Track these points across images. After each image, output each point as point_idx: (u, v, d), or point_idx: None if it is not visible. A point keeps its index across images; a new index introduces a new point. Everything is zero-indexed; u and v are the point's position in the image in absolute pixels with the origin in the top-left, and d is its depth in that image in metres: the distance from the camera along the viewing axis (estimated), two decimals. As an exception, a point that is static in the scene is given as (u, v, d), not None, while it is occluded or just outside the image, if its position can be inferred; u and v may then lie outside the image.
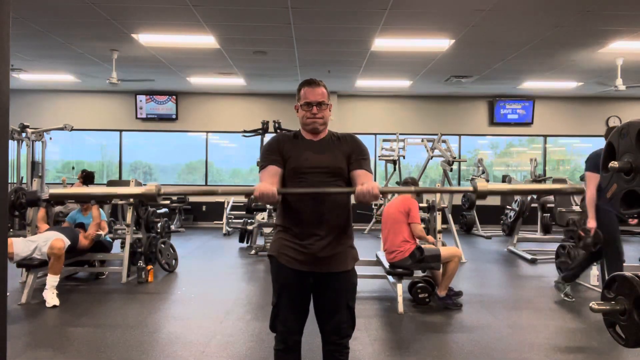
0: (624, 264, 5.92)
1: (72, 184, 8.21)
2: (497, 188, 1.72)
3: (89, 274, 5.74)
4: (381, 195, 2.02)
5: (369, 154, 2.26)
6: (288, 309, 2.22)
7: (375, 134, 10.82)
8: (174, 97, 10.95)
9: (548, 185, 1.46)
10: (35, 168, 8.62)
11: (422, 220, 6.25)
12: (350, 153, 2.19)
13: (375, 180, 9.21)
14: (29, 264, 4.59)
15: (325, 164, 2.16)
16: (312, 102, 2.16)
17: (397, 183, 8.51)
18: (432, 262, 4.38)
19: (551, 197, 7.97)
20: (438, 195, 6.03)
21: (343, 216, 2.18)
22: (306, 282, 2.19)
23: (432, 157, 7.97)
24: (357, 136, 2.31)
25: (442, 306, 4.45)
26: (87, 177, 8.23)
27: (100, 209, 5.62)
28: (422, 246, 4.43)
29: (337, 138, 2.24)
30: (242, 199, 9.48)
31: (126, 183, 5.99)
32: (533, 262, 6.86)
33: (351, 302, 2.23)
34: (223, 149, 11.71)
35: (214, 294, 5.10)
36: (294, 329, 2.23)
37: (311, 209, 2.13)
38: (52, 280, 4.47)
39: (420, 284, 4.60)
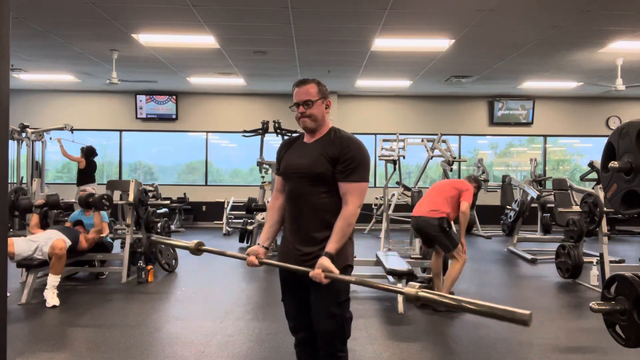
0: (623, 264, 5.94)
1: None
2: (428, 297, 1.68)
3: (89, 274, 5.74)
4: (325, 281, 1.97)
5: (361, 158, 2.11)
6: (290, 304, 2.29)
7: (375, 134, 10.83)
8: (174, 97, 10.95)
9: (489, 307, 1.37)
10: (36, 168, 8.62)
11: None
12: (337, 159, 2.08)
13: (375, 180, 9.22)
14: (29, 264, 4.59)
15: (304, 169, 2.14)
16: (298, 102, 2.17)
17: (397, 183, 8.51)
18: (451, 241, 4.43)
19: (551, 197, 7.97)
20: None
21: (319, 219, 2.13)
22: (300, 278, 2.15)
23: (432, 157, 7.96)
24: (356, 137, 2.18)
25: (445, 309, 4.44)
26: (89, 152, 8.29)
27: (103, 212, 5.64)
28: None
29: (332, 140, 2.15)
30: (243, 198, 9.48)
31: (126, 183, 5.97)
32: (533, 262, 6.86)
33: (335, 308, 2.13)
34: (223, 149, 11.71)
35: (214, 293, 5.10)
36: (298, 324, 2.26)
37: (291, 210, 2.22)
38: (53, 280, 4.47)
39: (425, 285, 4.61)
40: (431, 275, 5.11)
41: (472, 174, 5.03)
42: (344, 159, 2.08)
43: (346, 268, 2.16)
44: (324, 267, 1.99)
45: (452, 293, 4.59)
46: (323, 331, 2.15)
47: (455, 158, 7.90)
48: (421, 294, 1.68)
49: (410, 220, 7.01)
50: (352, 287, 5.20)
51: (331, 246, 2.04)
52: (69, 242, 4.71)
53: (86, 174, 8.49)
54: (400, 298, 4.32)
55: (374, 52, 7.17)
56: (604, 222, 5.45)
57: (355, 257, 2.29)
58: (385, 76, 9.05)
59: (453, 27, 6.05)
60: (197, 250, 2.34)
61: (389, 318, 4.22)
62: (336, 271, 2.00)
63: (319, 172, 2.11)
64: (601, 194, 5.39)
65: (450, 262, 4.58)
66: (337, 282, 2.09)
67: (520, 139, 11.88)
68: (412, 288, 1.71)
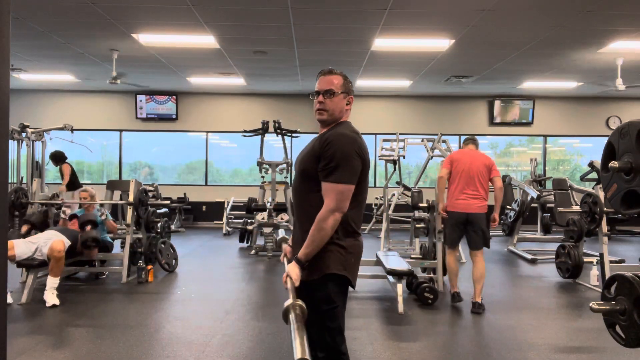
0: (623, 264, 5.94)
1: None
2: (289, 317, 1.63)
3: (89, 273, 5.74)
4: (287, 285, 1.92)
5: (341, 158, 1.94)
6: None
7: (375, 134, 10.83)
8: (174, 97, 10.95)
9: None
10: (36, 168, 8.61)
11: (422, 220, 6.26)
12: (320, 157, 1.98)
13: (375, 180, 9.17)
14: (29, 264, 4.60)
15: (297, 164, 2.13)
16: (319, 90, 2.08)
17: (397, 183, 8.51)
18: (489, 234, 4.48)
19: (551, 197, 7.98)
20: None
21: (309, 218, 2.01)
22: None
23: (432, 157, 7.96)
24: (349, 136, 2.00)
25: (482, 311, 4.38)
26: (62, 157, 8.05)
27: (107, 213, 5.72)
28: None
29: (324, 135, 2.05)
30: (243, 198, 9.49)
31: (126, 183, 5.98)
32: (533, 262, 6.86)
33: (314, 315, 1.92)
34: (223, 149, 11.70)
35: (214, 293, 5.10)
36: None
37: (293, 206, 2.20)
38: (52, 282, 4.48)
39: (426, 284, 4.60)
40: (431, 275, 5.11)
41: (471, 136, 4.84)
42: (324, 156, 1.96)
43: (328, 277, 1.99)
44: (287, 272, 1.94)
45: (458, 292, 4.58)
46: (315, 335, 2.03)
47: (455, 158, 7.88)
48: (290, 315, 1.60)
49: (413, 218, 6.93)
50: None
51: (301, 251, 1.96)
52: (68, 243, 4.72)
53: (73, 178, 8.29)
54: (400, 298, 4.32)
55: (374, 52, 7.16)
56: (604, 222, 5.46)
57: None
58: (385, 76, 9.04)
59: (453, 27, 6.05)
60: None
61: (389, 318, 4.22)
62: (294, 276, 1.92)
63: (303, 168, 2.06)
64: (601, 194, 5.39)
65: (477, 262, 4.47)
66: (318, 290, 2.00)
67: (520, 139, 11.88)
68: (290, 302, 1.63)
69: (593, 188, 6.54)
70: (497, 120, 11.11)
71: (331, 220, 1.93)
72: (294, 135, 8.38)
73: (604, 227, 5.46)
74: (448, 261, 4.74)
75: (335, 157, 1.94)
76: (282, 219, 7.86)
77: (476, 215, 4.42)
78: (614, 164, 1.78)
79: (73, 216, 5.38)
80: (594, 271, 5.40)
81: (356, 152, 1.97)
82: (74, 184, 8.14)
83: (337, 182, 1.93)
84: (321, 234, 1.93)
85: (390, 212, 7.64)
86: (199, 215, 10.94)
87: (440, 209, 4.79)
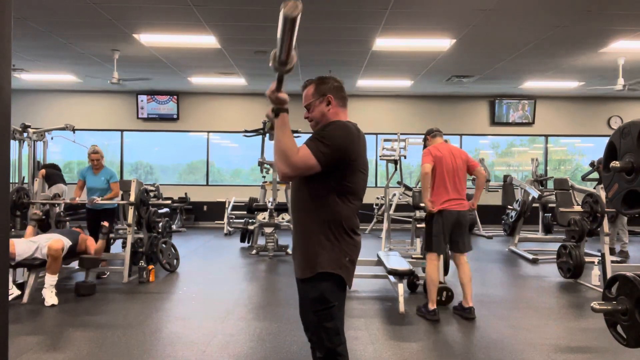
0: (625, 264, 5.93)
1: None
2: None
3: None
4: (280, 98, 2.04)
5: (326, 135, 1.99)
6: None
7: (376, 134, 10.82)
8: (175, 97, 10.96)
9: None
10: (38, 168, 8.61)
11: (423, 220, 6.25)
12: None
13: (376, 180, 9.19)
14: (30, 264, 4.60)
15: None
16: (304, 106, 2.21)
17: (398, 183, 8.50)
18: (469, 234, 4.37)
19: (552, 197, 7.97)
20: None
21: (305, 216, 2.05)
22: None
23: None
24: (343, 124, 2.06)
25: (474, 315, 4.24)
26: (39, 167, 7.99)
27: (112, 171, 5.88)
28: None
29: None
30: (244, 198, 9.49)
31: (128, 183, 5.98)
32: (534, 262, 6.86)
33: (312, 315, 2.03)
34: (224, 149, 11.71)
35: (215, 293, 5.10)
36: (303, 324, 2.17)
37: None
38: (51, 279, 4.49)
39: (440, 285, 4.58)
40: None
41: (436, 128, 4.57)
42: (315, 132, 2.07)
43: (321, 276, 1.99)
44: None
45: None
46: (312, 334, 2.09)
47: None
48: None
49: (415, 217, 6.90)
50: (354, 287, 5.20)
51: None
52: (68, 244, 4.72)
53: (49, 178, 8.28)
54: (401, 298, 4.31)
55: (375, 52, 7.16)
56: (605, 222, 5.45)
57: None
58: (387, 76, 9.04)
59: (454, 27, 6.05)
60: None
61: (390, 318, 4.22)
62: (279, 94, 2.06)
63: None
64: (602, 194, 5.38)
65: (464, 264, 4.24)
66: (312, 289, 2.02)
67: (521, 138, 11.87)
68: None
69: (594, 188, 6.53)
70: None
71: (290, 152, 1.96)
72: (294, 135, 8.36)
73: (605, 227, 5.45)
74: (430, 271, 4.21)
75: (323, 132, 2.01)
76: (283, 218, 7.86)
77: (465, 213, 4.24)
78: (615, 163, 1.78)
79: (69, 208, 5.48)
80: (596, 271, 5.39)
81: (340, 133, 2.01)
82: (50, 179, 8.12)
83: (307, 144, 1.99)
84: (277, 144, 1.99)
85: (391, 212, 7.63)
86: (200, 215, 10.94)
87: (428, 203, 4.21)
